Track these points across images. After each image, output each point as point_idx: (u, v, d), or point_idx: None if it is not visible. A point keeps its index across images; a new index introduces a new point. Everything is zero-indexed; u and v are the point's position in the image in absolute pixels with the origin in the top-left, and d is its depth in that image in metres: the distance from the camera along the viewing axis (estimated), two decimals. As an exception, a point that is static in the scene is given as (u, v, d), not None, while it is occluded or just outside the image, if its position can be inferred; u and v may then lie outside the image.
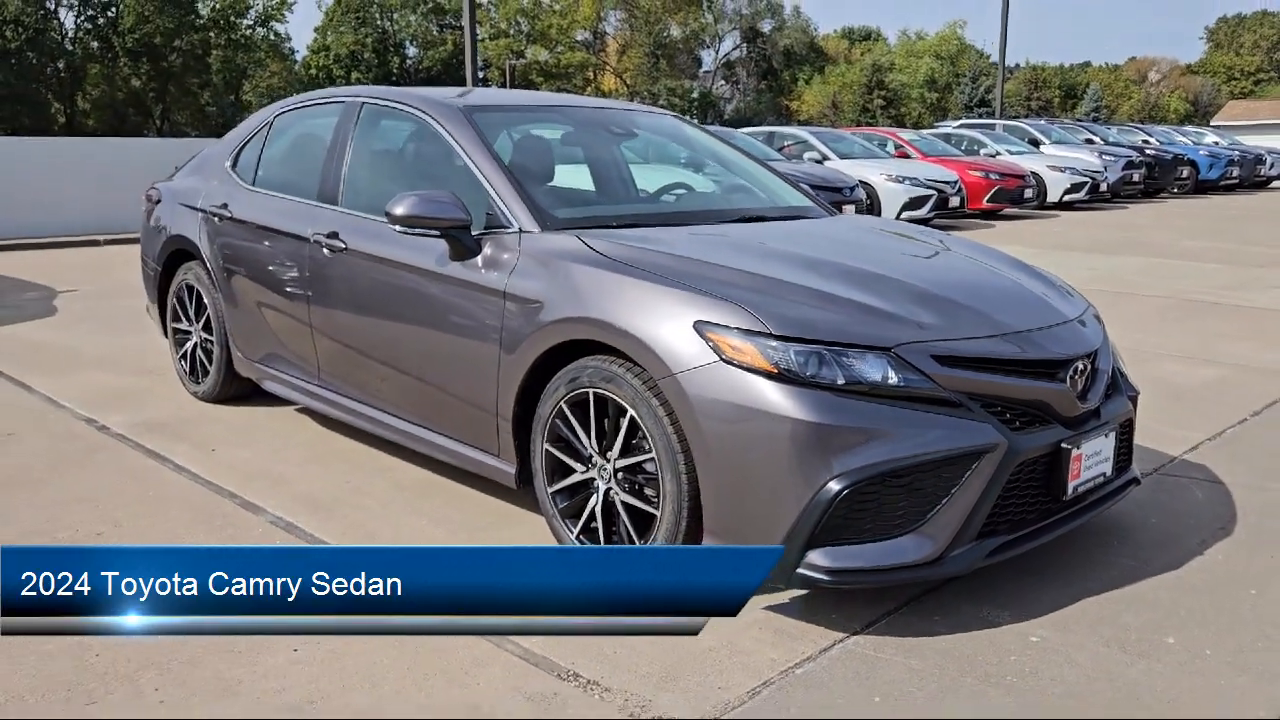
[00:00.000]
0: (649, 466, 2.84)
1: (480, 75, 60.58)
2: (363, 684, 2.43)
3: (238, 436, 4.37)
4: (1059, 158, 18.78)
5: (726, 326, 2.64)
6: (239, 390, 4.77)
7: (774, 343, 2.59)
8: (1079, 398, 2.87)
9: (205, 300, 4.68)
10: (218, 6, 54.33)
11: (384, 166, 4.10)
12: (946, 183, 14.79)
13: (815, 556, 2.56)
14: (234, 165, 4.67)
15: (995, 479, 2.62)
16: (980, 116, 49.89)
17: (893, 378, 2.59)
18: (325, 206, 3.98)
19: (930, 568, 2.60)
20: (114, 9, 52.25)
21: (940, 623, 2.73)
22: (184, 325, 4.90)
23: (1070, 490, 2.83)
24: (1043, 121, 24.44)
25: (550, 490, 3.11)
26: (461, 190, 3.39)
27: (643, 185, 4.19)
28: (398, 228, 3.31)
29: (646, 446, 2.82)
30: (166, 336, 5.15)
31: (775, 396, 2.55)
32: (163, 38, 51.93)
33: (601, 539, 2.96)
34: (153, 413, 4.69)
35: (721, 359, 2.62)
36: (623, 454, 2.89)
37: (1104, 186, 18.53)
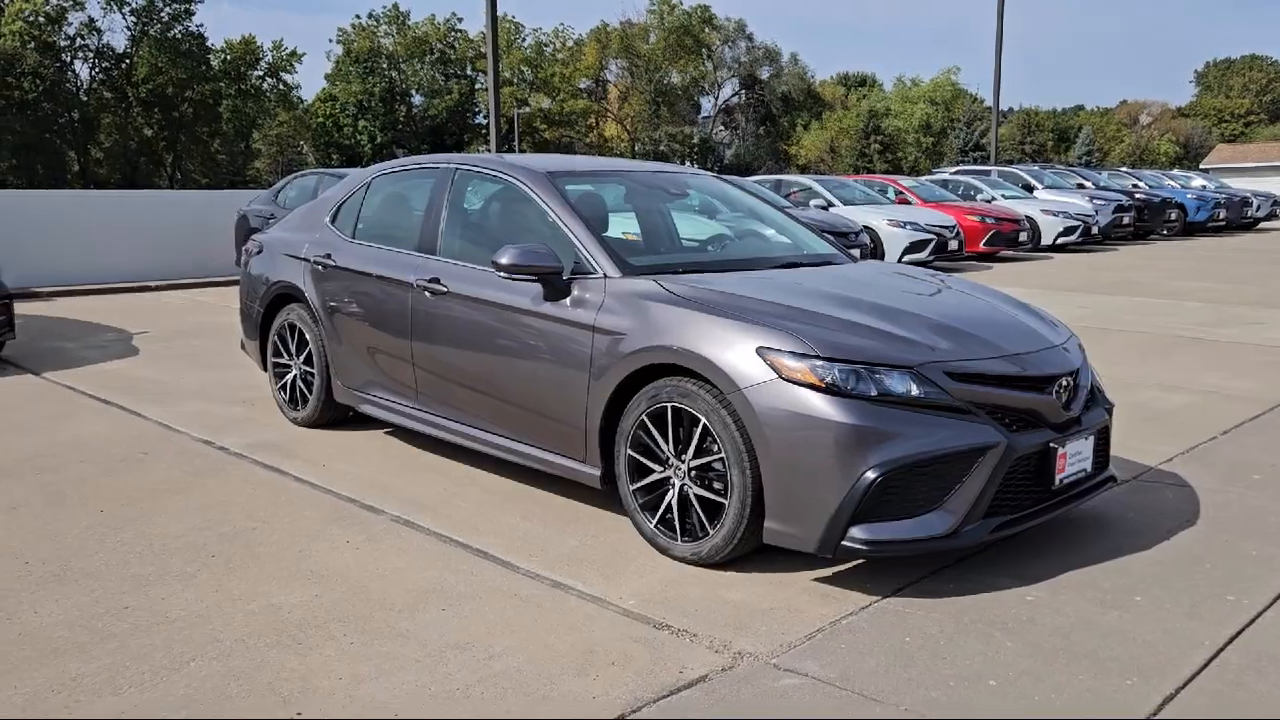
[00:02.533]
0: (717, 465, 3.52)
1: (485, 122, 61.98)
2: (503, 631, 3.10)
3: (340, 454, 5.05)
4: (1052, 202, 19.66)
5: (783, 351, 3.35)
6: (333, 417, 5.46)
7: (822, 363, 3.30)
8: (1064, 407, 3.58)
9: (307, 337, 5.38)
10: (229, 58, 55.79)
11: (477, 222, 4.84)
12: (945, 227, 15.60)
13: (856, 532, 3.24)
14: (334, 220, 5.41)
15: (997, 470, 3.32)
16: (975, 161, 51.07)
17: (915, 390, 3.29)
18: (425, 256, 4.70)
19: (947, 540, 3.28)
20: (128, 60, 53.63)
21: (955, 588, 3.40)
22: (284, 359, 5.61)
23: (1057, 481, 3.53)
24: (1036, 167, 25.38)
25: (632, 488, 3.79)
26: (547, 242, 4.12)
27: (695, 235, 4.93)
28: (502, 274, 4.04)
29: (715, 449, 3.51)
30: (265, 370, 5.85)
31: (823, 406, 3.25)
32: (175, 88, 53.29)
33: (676, 526, 3.64)
34: (260, 436, 5.38)
35: (780, 377, 3.32)
36: (696, 455, 3.58)
37: (1095, 229, 19.38)
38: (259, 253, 5.87)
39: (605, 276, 3.97)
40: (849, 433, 3.21)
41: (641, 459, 3.75)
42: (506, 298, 4.21)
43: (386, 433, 5.42)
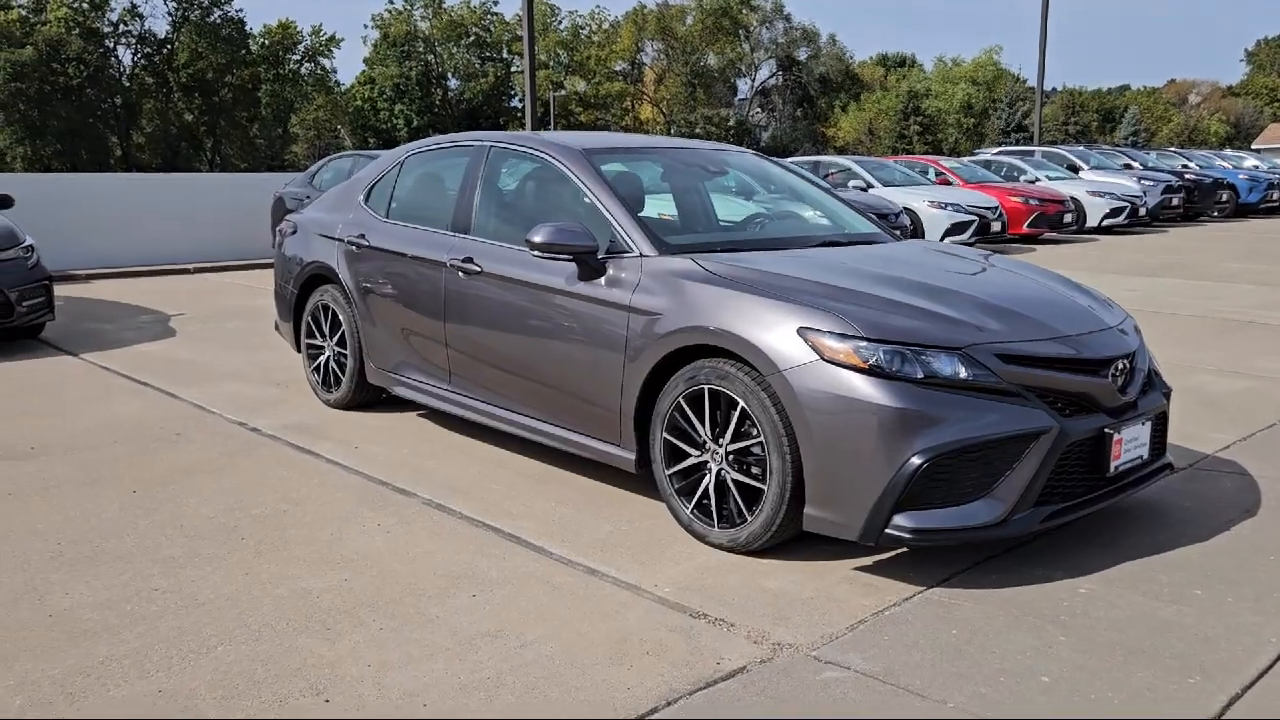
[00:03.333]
0: (756, 450, 3.41)
1: (521, 106, 61.96)
2: (535, 619, 3.02)
3: (373, 436, 5.00)
4: (1098, 183, 19.21)
5: (825, 331, 3.23)
6: (366, 398, 5.42)
7: (865, 344, 3.17)
8: (1119, 391, 3.42)
9: (340, 318, 5.33)
10: (267, 43, 56.21)
11: (512, 201, 4.75)
12: (988, 209, 15.30)
13: (900, 519, 3.12)
14: (367, 200, 5.35)
15: (1049, 456, 3.17)
16: (1017, 142, 50.25)
17: (963, 373, 3.16)
18: (459, 235, 4.62)
19: (996, 529, 3.15)
20: (169, 46, 54.22)
21: (1003, 579, 3.27)
22: (318, 341, 5.57)
23: (1112, 469, 3.38)
24: (1081, 147, 24.85)
25: (668, 472, 3.69)
26: (583, 220, 4.02)
27: (733, 215, 4.81)
28: (535, 253, 3.94)
29: (754, 432, 3.40)
30: (299, 351, 5.81)
31: (867, 388, 3.12)
32: (215, 73, 53.83)
33: (714, 512, 3.54)
34: (293, 417, 5.35)
35: (821, 358, 3.20)
36: (734, 439, 3.47)
37: (1143, 211, 18.91)
38: (293, 233, 5.82)
39: (641, 255, 3.86)
40: (893, 416, 3.08)
41: (677, 443, 3.65)
42: (540, 277, 4.12)
43: (419, 414, 5.37)
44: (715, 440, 3.53)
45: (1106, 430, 3.34)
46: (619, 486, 4.18)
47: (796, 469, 3.28)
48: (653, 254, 3.84)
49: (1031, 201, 16.49)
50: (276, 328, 6.17)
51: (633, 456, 3.85)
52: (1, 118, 49.16)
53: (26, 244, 7.39)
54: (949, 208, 14.90)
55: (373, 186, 5.37)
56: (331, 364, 5.50)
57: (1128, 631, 2.91)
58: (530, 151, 4.57)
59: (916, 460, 3.06)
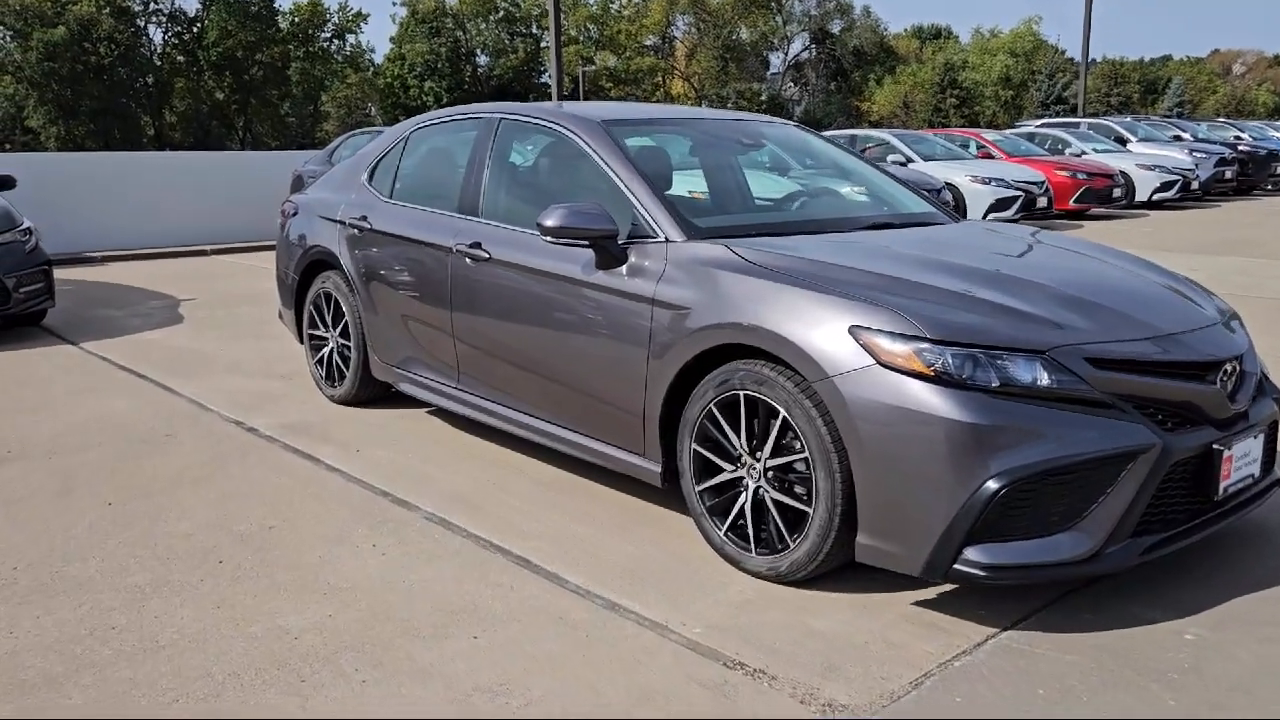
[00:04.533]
0: (800, 466, 2.95)
1: (550, 81, 61.35)
2: (544, 669, 2.59)
3: (376, 437, 4.59)
4: (1148, 156, 18.40)
5: (882, 331, 2.75)
6: (372, 394, 5.00)
7: (930, 346, 2.69)
8: (1229, 399, 2.92)
9: (343, 308, 4.92)
10: (297, 20, 55.91)
11: (524, 179, 4.29)
12: (1033, 183, 14.63)
13: (972, 553, 2.65)
14: (370, 179, 4.91)
15: (1150, 479, 2.68)
16: (1057, 114, 48.91)
17: (1047, 380, 2.67)
18: (466, 218, 4.18)
19: (1086, 565, 2.67)
20: (199, 24, 54.09)
21: (1090, 619, 2.80)
22: (320, 332, 5.16)
23: (1221, 490, 2.88)
24: (1128, 119, 23.92)
25: (698, 489, 3.24)
26: (602, 201, 3.55)
27: (770, 194, 4.31)
28: (548, 238, 3.49)
29: (798, 446, 2.94)
30: (302, 342, 5.41)
31: (932, 398, 2.65)
32: (245, 51, 53.61)
33: (750, 536, 3.09)
34: (293, 415, 4.94)
35: (878, 362, 2.73)
36: (774, 454, 3.01)
37: (1195, 185, 18.09)
38: (295, 214, 5.41)
39: (667, 240, 3.39)
40: (965, 432, 2.60)
41: (709, 455, 3.19)
42: (554, 265, 3.67)
43: (429, 412, 4.95)
44: (752, 454, 3.07)
45: (1215, 446, 2.84)
46: (644, 499, 3.74)
47: (848, 490, 2.81)
48: (680, 239, 3.37)
49: (1079, 176, 15.77)
50: (280, 316, 5.77)
51: (658, 469, 3.40)
52: (35, 97, 49.30)
53: (24, 226, 7.04)
54: (993, 183, 14.24)
55: (376, 164, 4.93)
56: (335, 357, 5.09)
57: (1256, 693, 2.43)
58: (544, 124, 4.10)
59: (993, 484, 2.58)
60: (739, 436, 3.09)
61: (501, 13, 61.75)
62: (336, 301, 4.98)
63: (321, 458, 4.31)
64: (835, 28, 69.31)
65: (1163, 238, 13.09)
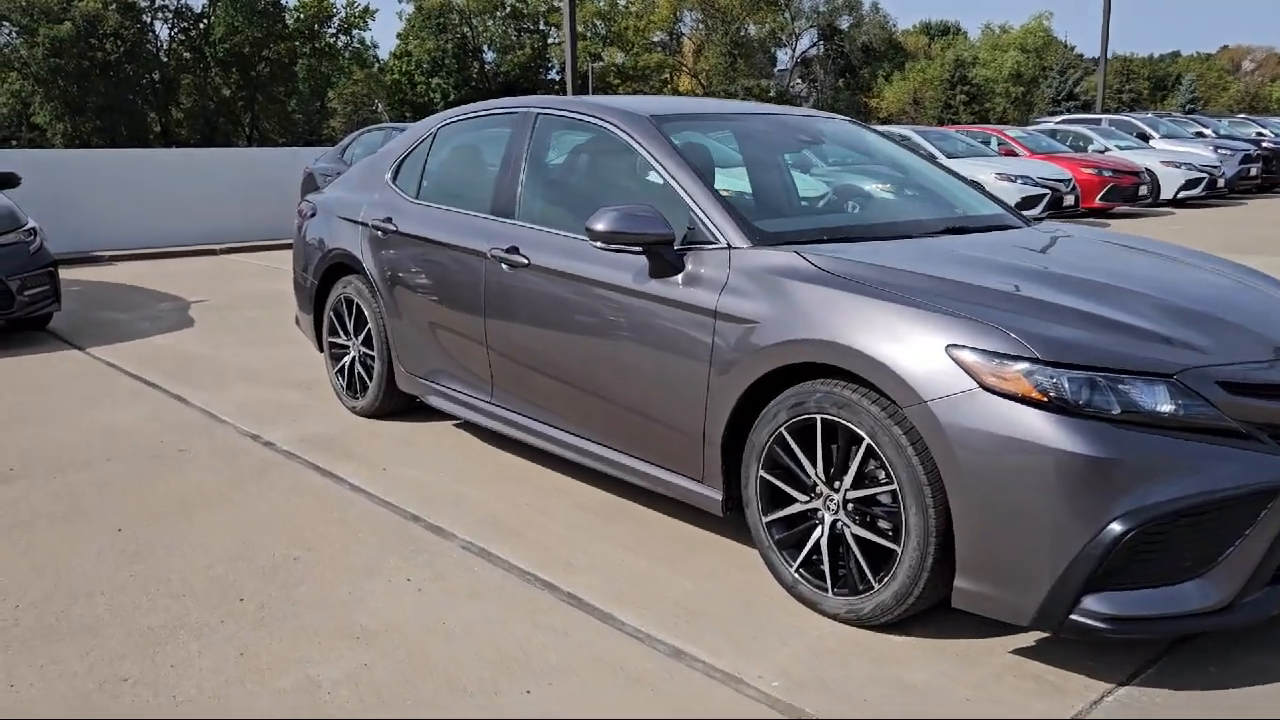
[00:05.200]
0: (885, 499, 2.66)
1: (558, 79, 61.04)
2: (609, 732, 2.30)
3: (403, 454, 4.30)
4: (1173, 153, 18.05)
5: (985, 351, 2.45)
6: (397, 405, 4.72)
7: (1042, 368, 2.39)
8: (1373, 427, 2.61)
9: (366, 314, 4.63)
10: (303, 16, 55.62)
11: (564, 179, 3.99)
12: (1060, 181, 14.32)
13: (1091, 602, 2.35)
14: (395, 178, 4.61)
15: (1293, 519, 2.38)
16: (1069, 111, 48.49)
17: (1175, 407, 2.37)
18: (501, 220, 3.88)
19: (1220, 616, 2.37)
20: (205, 20, 53.84)
21: (1219, 674, 2.50)
22: (341, 339, 4.87)
23: (1365, 529, 2.56)
24: (1150, 114, 23.55)
25: (766, 520, 2.95)
26: (653, 203, 3.25)
27: (830, 195, 4.01)
28: (598, 244, 3.19)
29: (883, 477, 2.65)
30: (321, 350, 5.12)
31: (1046, 428, 2.35)
32: (251, 47, 53.35)
33: (827, 574, 2.79)
34: (313, 428, 4.66)
35: (981, 386, 2.43)
36: (855, 484, 2.71)
37: (1221, 182, 17.73)
38: (313, 215, 5.12)
39: (729, 247, 3.09)
40: (1086, 467, 2.30)
41: (779, 483, 2.90)
42: (601, 272, 3.37)
43: (456, 425, 4.66)
44: (829, 484, 2.78)
45: (1361, 481, 2.53)
46: (698, 525, 3.45)
47: (943, 528, 2.52)
48: (744, 245, 3.07)
49: (1105, 173, 15.44)
50: (297, 321, 5.49)
51: (719, 497, 3.10)
52: (41, 94, 49.07)
53: (29, 227, 6.75)
54: (1019, 180, 13.92)
55: (401, 162, 4.63)
56: (357, 366, 4.80)
57: None
58: (586, 119, 3.80)
59: (1118, 526, 2.28)
60: (814, 464, 2.80)
61: (508, 9, 61.40)
62: (358, 308, 4.69)
63: (345, 477, 4.02)
64: (844, 24, 68.96)
65: (1193, 237, 12.75)
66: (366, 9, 57.03)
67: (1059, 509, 2.33)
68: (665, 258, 3.17)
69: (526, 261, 3.67)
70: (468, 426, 4.60)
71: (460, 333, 4.06)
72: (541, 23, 62.17)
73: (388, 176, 4.65)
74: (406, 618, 2.85)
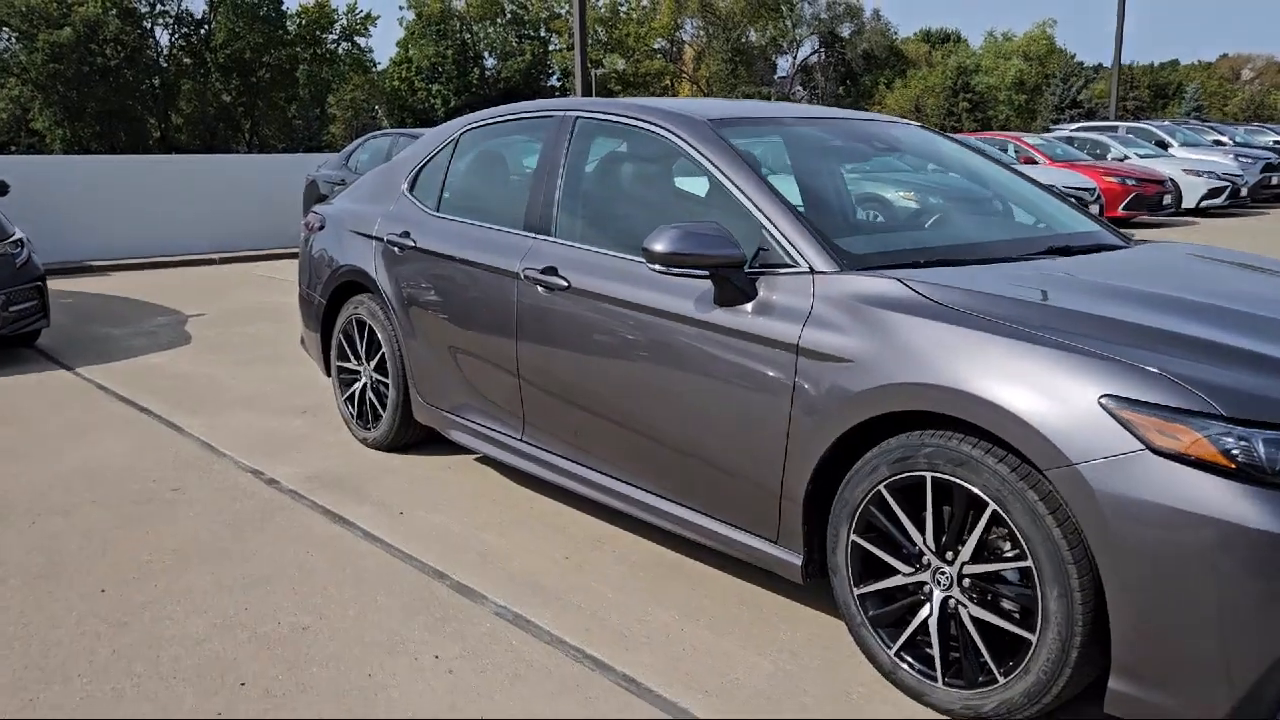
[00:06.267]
0: (1013, 576, 2.23)
1: (559, 84, 60.73)
2: None
3: (422, 494, 3.86)
4: (1194, 161, 17.65)
5: (1153, 405, 2.01)
6: (412, 438, 4.28)
7: (1229, 428, 1.95)
8: None
9: (380, 337, 4.19)
10: (304, 22, 55.25)
11: (609, 192, 3.54)
12: (1084, 190, 13.93)
13: (1291, 717, 1.91)
14: (412, 188, 4.18)
15: None
16: (1073, 119, 48.14)
17: (1393, 475, 1.93)
18: (536, 236, 3.45)
19: None
20: (206, 26, 53.48)
21: None
22: (352, 364, 4.43)
23: None
24: (1167, 122, 23.16)
25: (858, 593, 2.51)
26: (718, 220, 2.82)
27: (912, 209, 3.58)
28: (656, 266, 2.75)
29: (1009, 549, 2.22)
30: (328, 375, 4.68)
31: (1235, 501, 1.91)
32: (252, 53, 52.99)
33: (937, 660, 2.35)
34: (321, 463, 4.22)
35: (1149, 448, 1.99)
36: (975, 557, 2.28)
37: (1243, 191, 17.33)
38: (321, 228, 4.67)
39: (812, 271, 2.66)
40: (1285, 550, 1.87)
41: (876, 550, 2.46)
42: (655, 299, 2.94)
43: (478, 459, 4.23)
44: (941, 555, 2.34)
45: None
46: (766, 588, 3.02)
47: (1090, 616, 2.08)
48: (829, 269, 2.64)
49: (1129, 182, 15.04)
50: (302, 342, 5.05)
51: (799, 562, 2.66)
52: (41, 99, 48.64)
53: (15, 238, 6.32)
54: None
55: (419, 171, 4.19)
56: (369, 394, 4.36)
57: None
58: (634, 124, 3.35)
59: (1329, 625, 1.85)
60: (922, 531, 2.36)
61: (509, 15, 61.08)
62: (371, 330, 4.26)
63: (358, 522, 3.58)
64: (845, 31, 68.72)
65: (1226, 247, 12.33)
66: (368, 15, 56.68)
67: (1250, 600, 1.89)
68: (734, 282, 2.73)
69: (566, 284, 3.24)
70: (490, 460, 4.16)
71: (488, 361, 3.62)
72: (542, 29, 61.86)
73: (404, 186, 4.21)
74: (438, 706, 2.41)
